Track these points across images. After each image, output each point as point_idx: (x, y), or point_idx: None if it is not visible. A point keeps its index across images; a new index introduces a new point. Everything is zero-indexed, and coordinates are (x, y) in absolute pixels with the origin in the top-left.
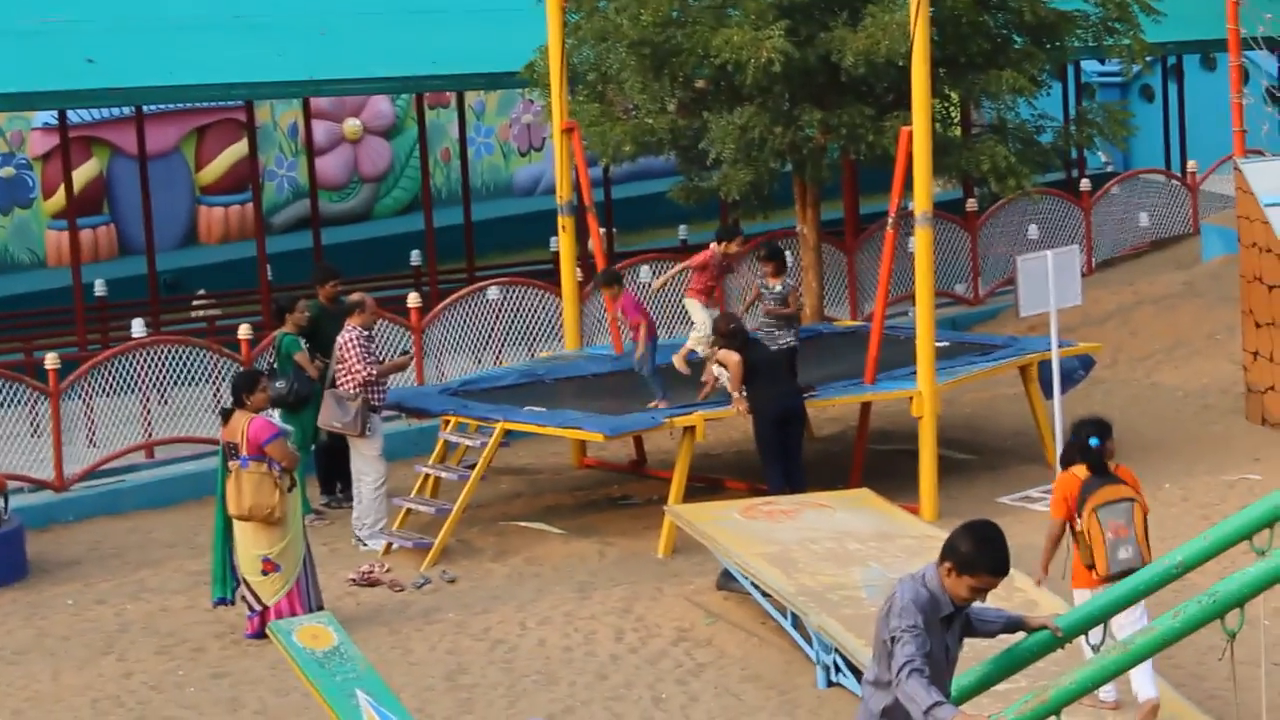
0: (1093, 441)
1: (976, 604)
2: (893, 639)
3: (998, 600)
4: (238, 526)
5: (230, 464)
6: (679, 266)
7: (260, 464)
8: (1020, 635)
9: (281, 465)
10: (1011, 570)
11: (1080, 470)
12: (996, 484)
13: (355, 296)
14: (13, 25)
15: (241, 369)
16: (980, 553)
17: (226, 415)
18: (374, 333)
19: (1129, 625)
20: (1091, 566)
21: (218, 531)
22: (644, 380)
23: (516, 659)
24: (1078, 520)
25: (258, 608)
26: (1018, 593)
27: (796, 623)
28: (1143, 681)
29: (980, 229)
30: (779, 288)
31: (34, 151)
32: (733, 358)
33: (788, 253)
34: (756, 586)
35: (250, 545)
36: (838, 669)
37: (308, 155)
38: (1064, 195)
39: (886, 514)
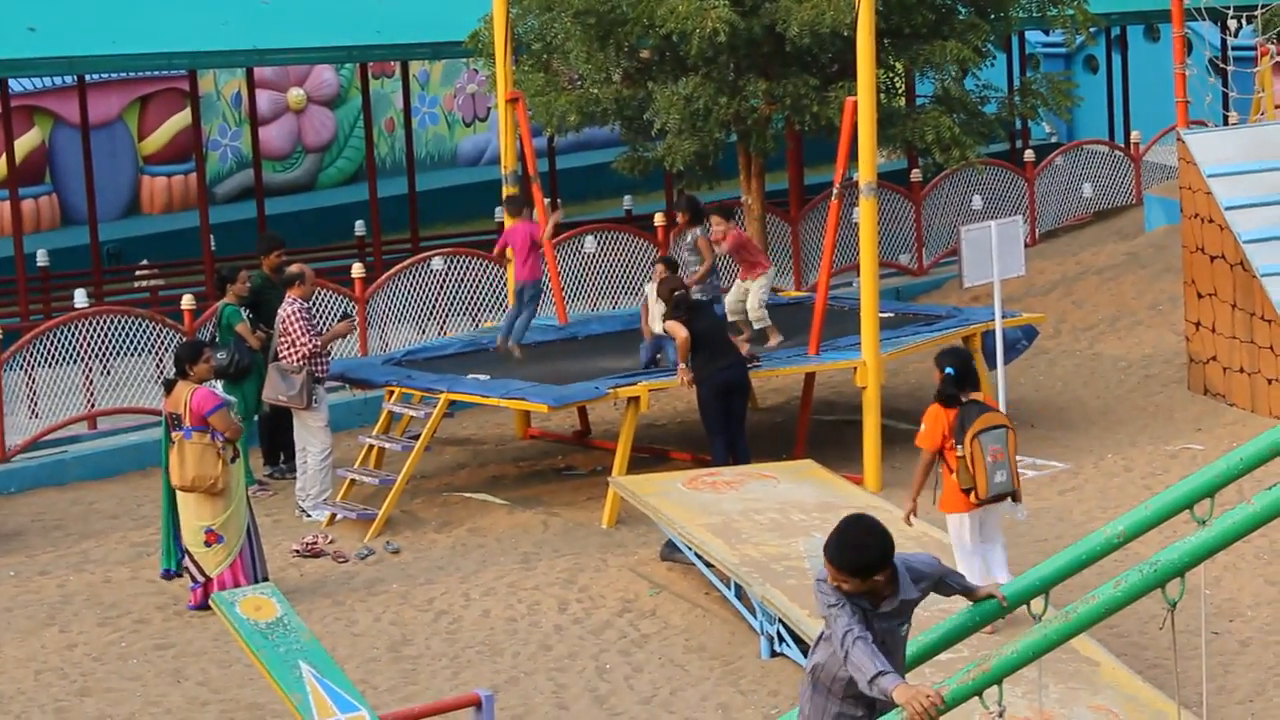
0: (948, 370)
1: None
2: (830, 610)
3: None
4: (180, 498)
5: (173, 435)
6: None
7: (203, 435)
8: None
9: (224, 436)
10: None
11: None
12: None
13: (294, 268)
14: None
15: (184, 339)
16: (835, 547)
17: (170, 386)
18: (313, 302)
19: (994, 554)
20: (969, 490)
21: (165, 503)
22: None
23: (460, 630)
24: (957, 447)
25: (201, 579)
26: None
27: (740, 594)
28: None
29: (924, 199)
30: (689, 236)
31: None
32: (680, 332)
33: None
34: (700, 557)
35: (193, 516)
36: (781, 639)
37: (251, 125)
38: (1008, 166)
39: (830, 484)
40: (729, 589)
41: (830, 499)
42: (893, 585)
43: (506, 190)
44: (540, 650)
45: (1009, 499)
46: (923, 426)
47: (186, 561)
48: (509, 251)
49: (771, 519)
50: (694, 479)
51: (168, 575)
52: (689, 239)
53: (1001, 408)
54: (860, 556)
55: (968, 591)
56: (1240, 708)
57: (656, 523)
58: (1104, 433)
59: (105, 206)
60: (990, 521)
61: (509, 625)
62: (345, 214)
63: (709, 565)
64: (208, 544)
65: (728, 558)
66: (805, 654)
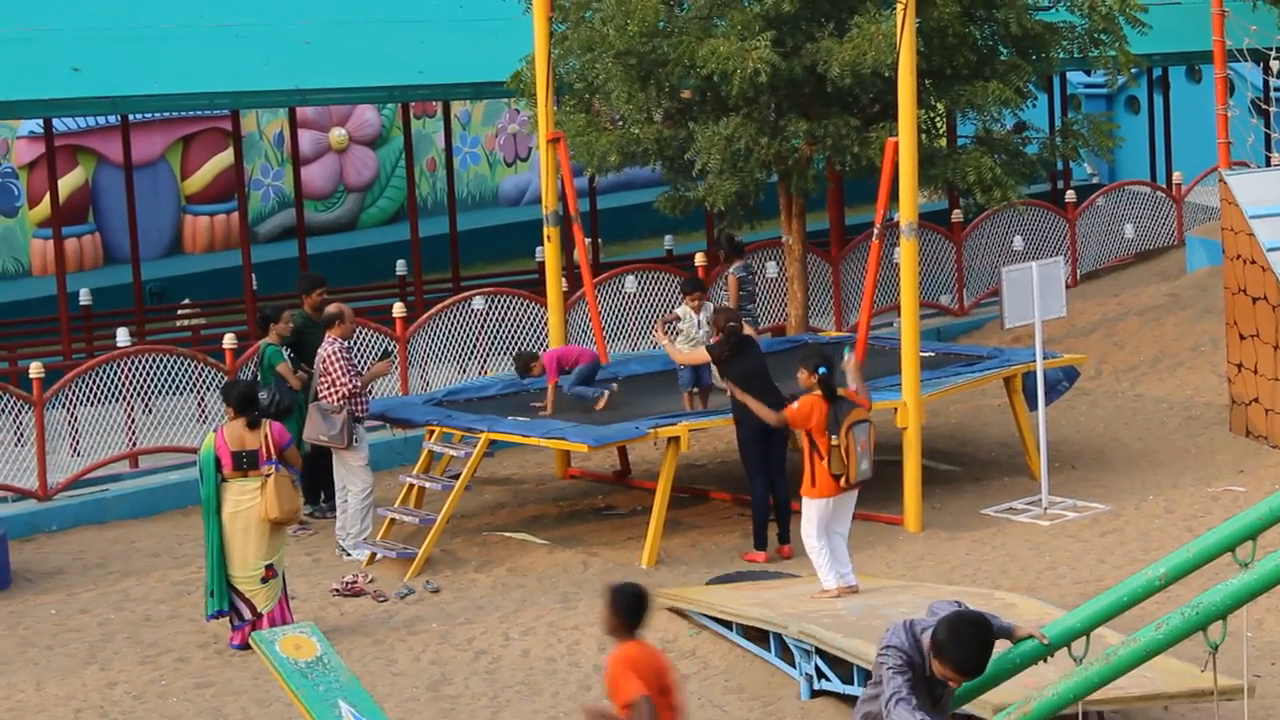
0: (821, 370)
1: None
2: (882, 669)
3: (978, 599)
4: (243, 535)
5: (263, 469)
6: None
7: (284, 467)
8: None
9: (296, 469)
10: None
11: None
12: (981, 496)
13: (333, 308)
14: None
15: (241, 380)
16: (952, 649)
17: (256, 423)
18: (353, 341)
19: (840, 543)
20: (840, 476)
21: (215, 543)
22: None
23: (500, 670)
24: (833, 437)
25: (249, 617)
26: (997, 599)
27: (781, 652)
28: (823, 575)
29: (965, 240)
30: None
31: (19, 160)
32: (699, 356)
33: (772, 263)
34: (742, 632)
35: (255, 554)
36: (821, 675)
37: (293, 164)
38: (1049, 206)
39: (873, 580)
40: (769, 651)
41: (870, 585)
42: None
43: (548, 230)
44: (580, 690)
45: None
46: (795, 405)
47: (236, 601)
48: None
49: (813, 601)
50: (738, 586)
51: (220, 615)
52: (724, 277)
53: (1042, 449)
54: (982, 656)
55: (1007, 633)
56: None
57: (695, 614)
58: (1145, 474)
59: (148, 246)
60: (843, 510)
61: (548, 665)
62: (386, 253)
63: (750, 638)
64: (265, 580)
65: (765, 614)
66: (844, 682)
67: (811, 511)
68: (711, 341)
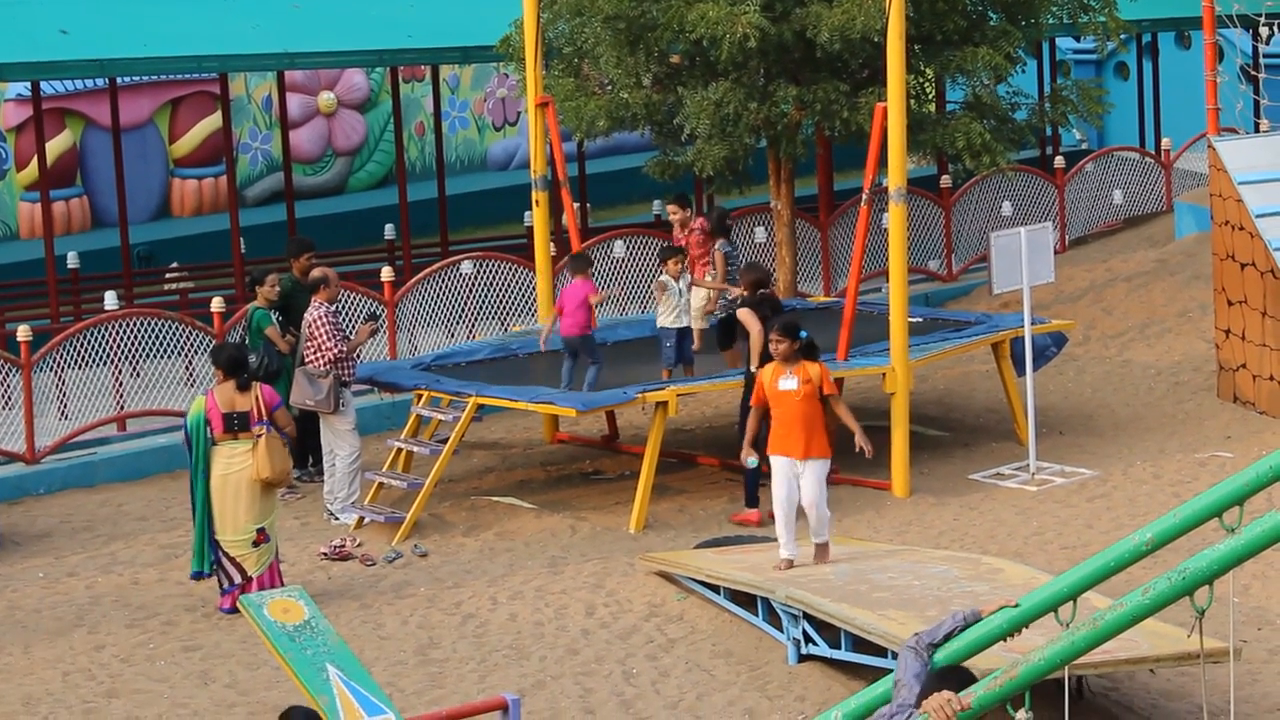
0: (803, 334)
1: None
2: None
3: (965, 565)
4: (234, 498)
5: (254, 430)
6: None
7: (274, 429)
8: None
9: (286, 431)
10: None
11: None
12: (969, 461)
13: (317, 272)
14: None
15: (229, 342)
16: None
17: (246, 385)
18: (339, 304)
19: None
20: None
21: (200, 505)
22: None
23: (487, 634)
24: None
25: (239, 580)
26: (984, 564)
27: (768, 616)
28: (783, 543)
29: (954, 206)
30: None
31: (7, 123)
32: (754, 325)
33: (760, 228)
34: (729, 597)
35: (245, 518)
36: (808, 640)
37: (282, 128)
38: (1038, 172)
39: (859, 544)
40: (757, 615)
41: (857, 550)
42: None
43: (536, 194)
44: (567, 654)
45: None
46: (831, 379)
47: (226, 564)
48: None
49: (801, 563)
50: (724, 550)
51: (199, 577)
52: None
53: (1030, 415)
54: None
55: (976, 620)
56: (1270, 716)
57: (681, 577)
58: (1133, 440)
59: (136, 209)
60: None
61: (536, 629)
62: (375, 217)
63: (737, 603)
64: (256, 543)
65: (752, 578)
66: (831, 647)
67: (823, 473)
68: (743, 294)
